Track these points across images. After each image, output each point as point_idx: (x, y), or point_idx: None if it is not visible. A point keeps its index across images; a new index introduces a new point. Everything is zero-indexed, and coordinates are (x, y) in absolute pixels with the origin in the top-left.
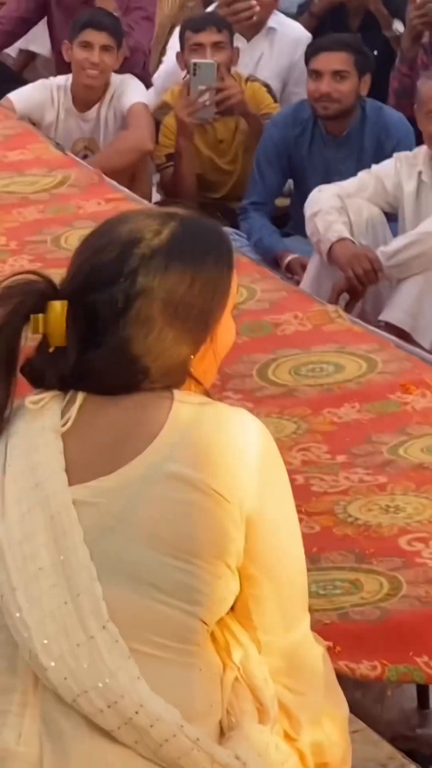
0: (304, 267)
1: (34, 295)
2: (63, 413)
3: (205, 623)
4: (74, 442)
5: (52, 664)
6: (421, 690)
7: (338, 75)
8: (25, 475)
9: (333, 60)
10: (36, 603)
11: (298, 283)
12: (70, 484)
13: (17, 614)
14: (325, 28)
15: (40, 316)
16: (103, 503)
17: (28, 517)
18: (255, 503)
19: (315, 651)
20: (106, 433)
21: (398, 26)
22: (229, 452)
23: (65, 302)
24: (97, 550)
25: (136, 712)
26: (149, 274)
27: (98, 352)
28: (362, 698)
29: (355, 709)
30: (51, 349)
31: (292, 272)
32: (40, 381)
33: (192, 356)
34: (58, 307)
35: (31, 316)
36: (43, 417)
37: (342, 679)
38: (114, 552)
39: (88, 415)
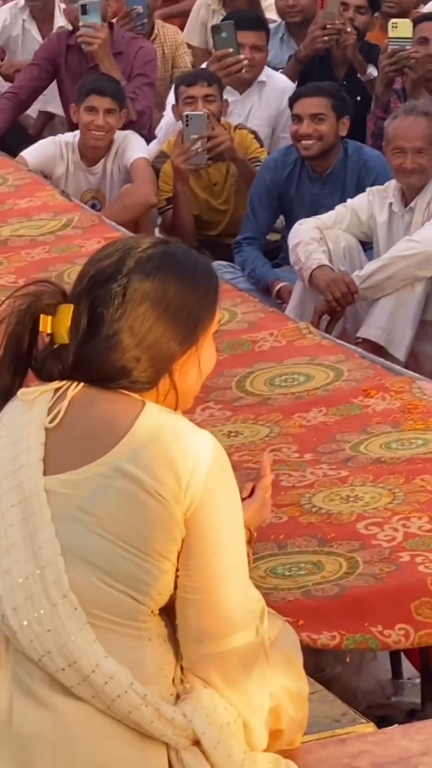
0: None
1: (45, 299)
2: (51, 409)
3: (150, 607)
4: (56, 436)
5: (21, 627)
6: (395, 662)
7: (316, 117)
8: (7, 462)
9: (311, 104)
10: (7, 574)
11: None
12: (46, 474)
13: None
14: (313, 77)
15: (49, 317)
16: (69, 494)
17: (5, 498)
18: (198, 512)
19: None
20: (82, 432)
21: (372, 71)
22: (179, 463)
23: (71, 306)
24: (61, 532)
25: (93, 671)
26: (144, 273)
27: (94, 341)
28: (342, 672)
29: (336, 681)
30: (55, 346)
31: (282, 299)
32: (42, 372)
33: (179, 356)
34: (64, 310)
35: (41, 316)
36: (32, 410)
37: (323, 656)
38: (74, 537)
39: (71, 414)
